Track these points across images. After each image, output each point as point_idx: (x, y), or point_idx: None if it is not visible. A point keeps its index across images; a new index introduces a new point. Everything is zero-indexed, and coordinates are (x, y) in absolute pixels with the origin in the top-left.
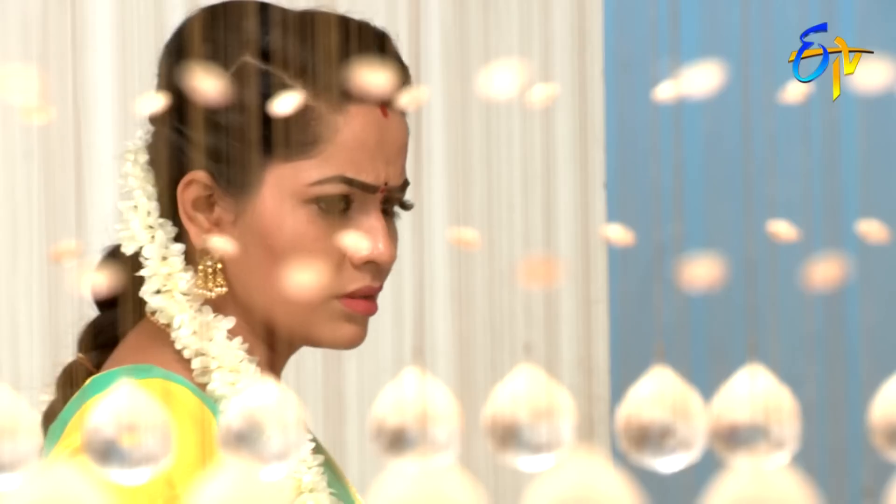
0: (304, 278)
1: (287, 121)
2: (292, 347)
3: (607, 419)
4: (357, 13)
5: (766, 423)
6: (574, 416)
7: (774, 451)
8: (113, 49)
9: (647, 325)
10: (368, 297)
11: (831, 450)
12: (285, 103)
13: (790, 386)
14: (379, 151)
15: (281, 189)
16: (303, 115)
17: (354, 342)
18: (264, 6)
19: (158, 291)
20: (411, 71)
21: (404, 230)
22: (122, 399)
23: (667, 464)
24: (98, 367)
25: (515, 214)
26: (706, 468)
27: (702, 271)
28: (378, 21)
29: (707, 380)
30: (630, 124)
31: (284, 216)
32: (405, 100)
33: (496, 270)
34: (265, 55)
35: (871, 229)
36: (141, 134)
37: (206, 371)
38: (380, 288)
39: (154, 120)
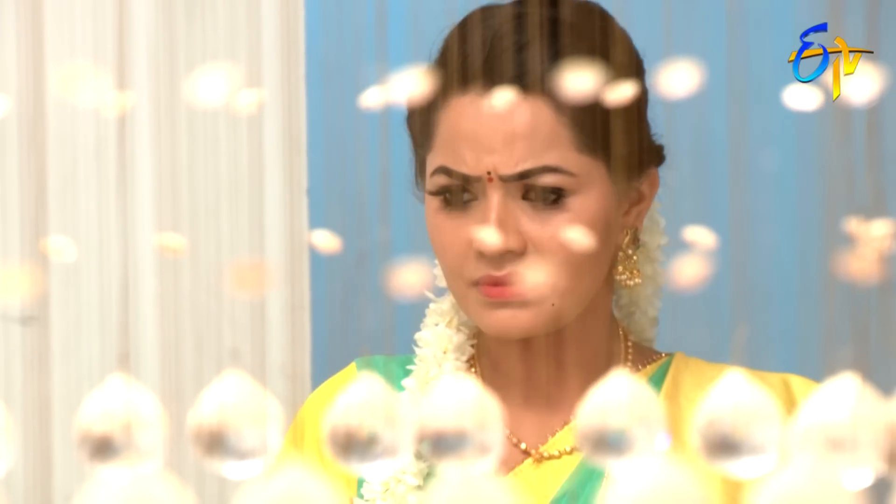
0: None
1: (421, 117)
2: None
3: None
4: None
5: (472, 429)
6: (281, 422)
7: (480, 457)
8: None
9: (353, 331)
10: (499, 284)
11: None
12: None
13: None
14: (477, 141)
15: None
16: (426, 110)
17: (505, 329)
18: None
19: None
20: (118, 77)
21: (110, 235)
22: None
23: (373, 469)
24: None
25: (222, 221)
26: None
27: (411, 277)
28: (83, 25)
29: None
30: (336, 130)
31: (426, 208)
32: (112, 105)
33: (202, 276)
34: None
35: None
36: None
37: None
38: (508, 274)
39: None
